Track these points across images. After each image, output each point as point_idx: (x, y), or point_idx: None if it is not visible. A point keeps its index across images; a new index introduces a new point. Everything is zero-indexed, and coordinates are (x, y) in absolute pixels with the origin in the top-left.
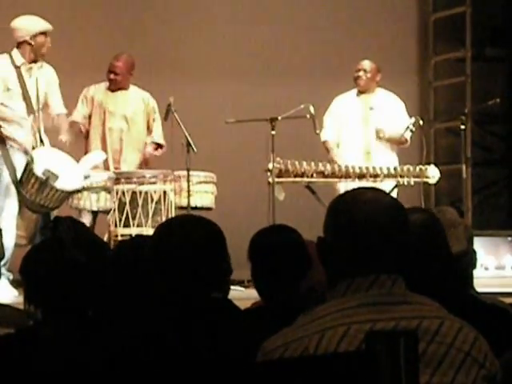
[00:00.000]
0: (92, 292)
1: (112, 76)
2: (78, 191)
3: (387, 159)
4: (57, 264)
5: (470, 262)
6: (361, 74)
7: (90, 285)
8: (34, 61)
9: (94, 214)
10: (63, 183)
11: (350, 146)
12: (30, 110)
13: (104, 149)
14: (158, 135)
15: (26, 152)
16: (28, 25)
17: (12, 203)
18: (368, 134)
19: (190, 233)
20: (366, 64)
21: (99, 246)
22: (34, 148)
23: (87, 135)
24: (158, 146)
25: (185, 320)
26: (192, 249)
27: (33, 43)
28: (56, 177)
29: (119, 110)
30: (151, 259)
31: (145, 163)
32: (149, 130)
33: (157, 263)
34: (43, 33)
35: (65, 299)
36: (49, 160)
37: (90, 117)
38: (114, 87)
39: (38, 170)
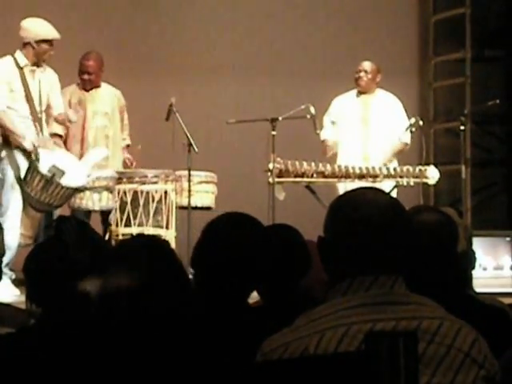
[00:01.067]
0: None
1: (86, 76)
2: (81, 190)
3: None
4: (59, 263)
5: (469, 262)
6: (362, 74)
7: None
8: (37, 64)
9: (88, 213)
10: (68, 180)
11: (348, 146)
12: (33, 111)
13: (85, 148)
14: (128, 136)
15: (32, 151)
16: (35, 28)
17: (16, 202)
18: (367, 134)
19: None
20: (367, 65)
21: (102, 245)
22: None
23: (65, 139)
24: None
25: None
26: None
27: (36, 47)
28: (62, 173)
29: (99, 108)
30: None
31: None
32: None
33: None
34: (48, 41)
35: (67, 299)
36: (53, 158)
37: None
38: (89, 86)
39: (43, 168)
